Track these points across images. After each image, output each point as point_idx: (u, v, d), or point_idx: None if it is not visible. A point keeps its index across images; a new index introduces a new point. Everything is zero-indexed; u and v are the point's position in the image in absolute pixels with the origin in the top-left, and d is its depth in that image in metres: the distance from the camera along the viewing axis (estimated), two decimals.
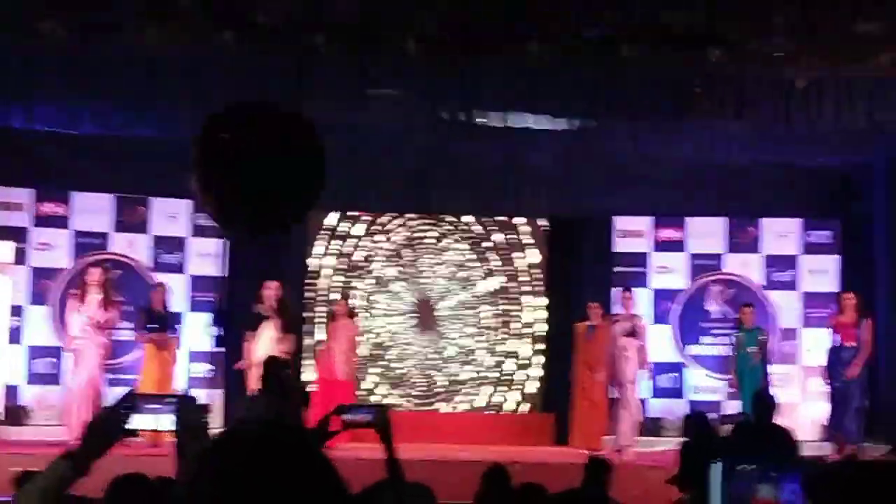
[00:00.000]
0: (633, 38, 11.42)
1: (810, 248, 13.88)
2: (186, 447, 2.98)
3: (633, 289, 13.04)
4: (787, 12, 11.23)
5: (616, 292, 13.22)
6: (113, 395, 12.52)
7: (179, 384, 12.67)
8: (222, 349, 13.22)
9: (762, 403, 7.15)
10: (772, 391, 12.10)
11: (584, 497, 4.90)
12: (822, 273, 13.77)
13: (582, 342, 12.72)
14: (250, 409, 6.64)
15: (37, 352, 12.98)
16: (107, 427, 2.92)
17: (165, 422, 2.99)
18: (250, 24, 11.14)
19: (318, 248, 14.49)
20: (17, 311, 12.89)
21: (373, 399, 14.26)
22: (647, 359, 12.49)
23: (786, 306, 13.77)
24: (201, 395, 12.79)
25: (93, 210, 13.36)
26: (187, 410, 2.99)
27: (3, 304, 12.62)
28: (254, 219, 5.91)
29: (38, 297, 13.03)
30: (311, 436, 2.11)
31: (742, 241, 13.99)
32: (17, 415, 12.63)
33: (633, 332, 12.34)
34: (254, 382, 11.70)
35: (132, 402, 2.96)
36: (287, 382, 7.12)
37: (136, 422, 2.96)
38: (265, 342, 11.83)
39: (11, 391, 12.74)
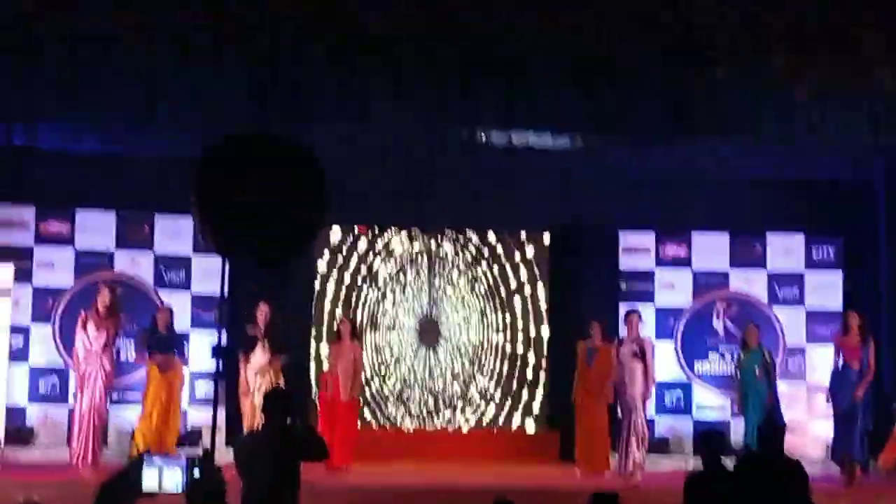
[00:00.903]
0: (634, 54, 11.44)
1: (814, 264, 13.79)
2: None
3: (639, 308, 12.85)
4: (789, 28, 11.28)
5: (622, 311, 13.03)
6: (116, 416, 12.56)
7: (184, 405, 12.62)
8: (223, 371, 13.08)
9: (768, 434, 7.02)
10: (781, 410, 12.10)
11: None
12: (827, 289, 13.69)
13: (582, 364, 12.53)
14: (255, 444, 6.56)
15: (40, 372, 12.91)
16: (121, 490, 2.90)
17: (177, 482, 2.97)
18: (250, 40, 11.15)
19: (322, 265, 14.46)
20: (20, 330, 12.82)
21: (384, 413, 14.26)
22: (653, 381, 12.31)
23: (791, 323, 13.69)
24: (204, 416, 12.74)
25: (96, 228, 13.29)
26: (203, 473, 2.97)
27: (2, 326, 12.47)
28: (256, 253, 5.91)
29: (41, 317, 12.97)
30: None
31: (747, 256, 13.90)
32: (21, 436, 12.56)
33: (640, 354, 12.17)
34: (247, 408, 11.69)
35: (143, 463, 2.94)
36: (289, 413, 7.04)
37: (149, 482, 2.94)
38: (255, 365, 11.83)
39: (16, 413, 12.67)
